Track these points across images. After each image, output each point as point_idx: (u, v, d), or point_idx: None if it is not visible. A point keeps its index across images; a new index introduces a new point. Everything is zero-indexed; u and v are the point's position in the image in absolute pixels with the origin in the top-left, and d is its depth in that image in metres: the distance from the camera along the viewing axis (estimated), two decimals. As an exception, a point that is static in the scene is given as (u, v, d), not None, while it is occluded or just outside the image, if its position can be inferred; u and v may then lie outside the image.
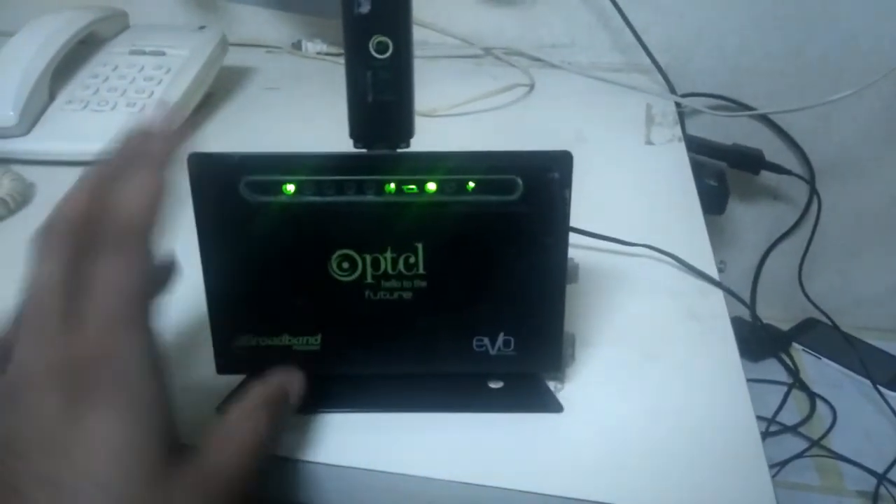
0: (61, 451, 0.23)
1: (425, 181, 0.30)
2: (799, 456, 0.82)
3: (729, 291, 0.42)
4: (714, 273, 0.42)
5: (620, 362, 0.36)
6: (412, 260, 0.31)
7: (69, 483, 0.22)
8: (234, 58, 0.72)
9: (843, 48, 0.80)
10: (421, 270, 0.31)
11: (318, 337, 0.32)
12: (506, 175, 0.30)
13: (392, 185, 0.30)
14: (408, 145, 0.31)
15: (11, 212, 0.49)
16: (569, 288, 0.41)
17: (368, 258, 0.31)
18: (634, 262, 0.43)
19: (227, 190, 0.30)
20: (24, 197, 0.50)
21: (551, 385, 0.34)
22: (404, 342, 0.32)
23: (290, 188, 0.30)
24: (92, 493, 0.22)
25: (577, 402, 0.33)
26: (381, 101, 0.30)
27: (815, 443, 0.83)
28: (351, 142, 0.31)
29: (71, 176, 0.54)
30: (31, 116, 0.56)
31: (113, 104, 0.57)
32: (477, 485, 0.30)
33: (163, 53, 0.63)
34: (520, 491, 0.29)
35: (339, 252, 0.31)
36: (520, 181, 0.30)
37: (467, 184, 0.30)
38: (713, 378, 0.35)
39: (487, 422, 0.32)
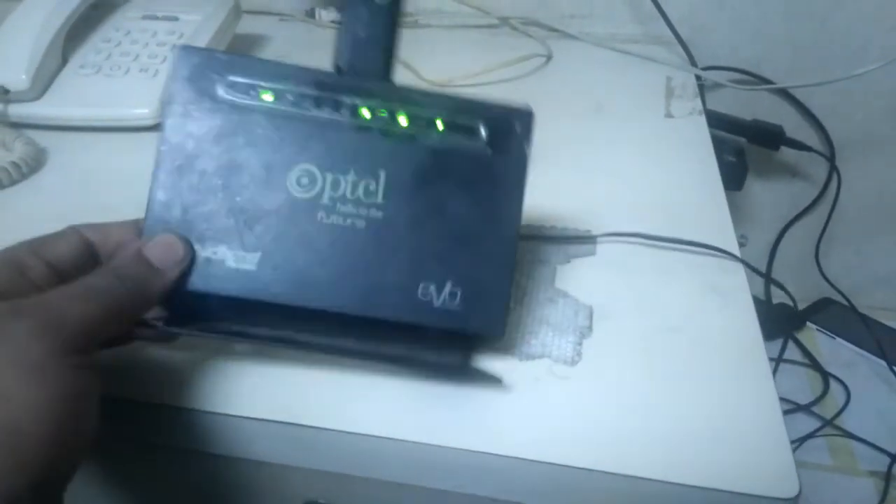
0: None
1: (397, 112, 0.31)
2: (811, 435, 0.82)
3: (750, 266, 0.41)
4: (735, 247, 0.42)
5: (638, 335, 0.35)
6: (372, 187, 0.31)
7: None
8: (246, 25, 0.71)
9: (868, 21, 0.78)
10: (379, 199, 0.31)
11: (257, 255, 0.30)
12: (471, 119, 0.31)
13: (366, 112, 0.31)
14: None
15: (24, 176, 0.48)
16: (587, 260, 0.41)
17: (329, 177, 0.31)
18: (654, 234, 0.43)
19: (207, 84, 0.30)
20: (36, 162, 0.50)
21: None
22: (348, 276, 0.31)
23: (268, 97, 0.30)
24: None
25: (594, 373, 0.33)
26: (373, 38, 0.31)
27: (827, 422, 0.83)
28: None
29: (83, 141, 0.54)
30: (44, 81, 0.55)
31: (126, 69, 0.56)
32: (480, 451, 0.29)
33: (176, 19, 0.62)
34: (527, 460, 0.29)
35: (301, 166, 0.31)
36: (483, 128, 0.31)
37: (436, 122, 0.31)
38: (734, 353, 0.34)
39: (493, 389, 0.32)
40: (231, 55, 0.31)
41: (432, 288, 0.31)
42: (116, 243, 0.31)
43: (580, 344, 0.34)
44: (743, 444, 0.30)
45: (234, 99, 0.30)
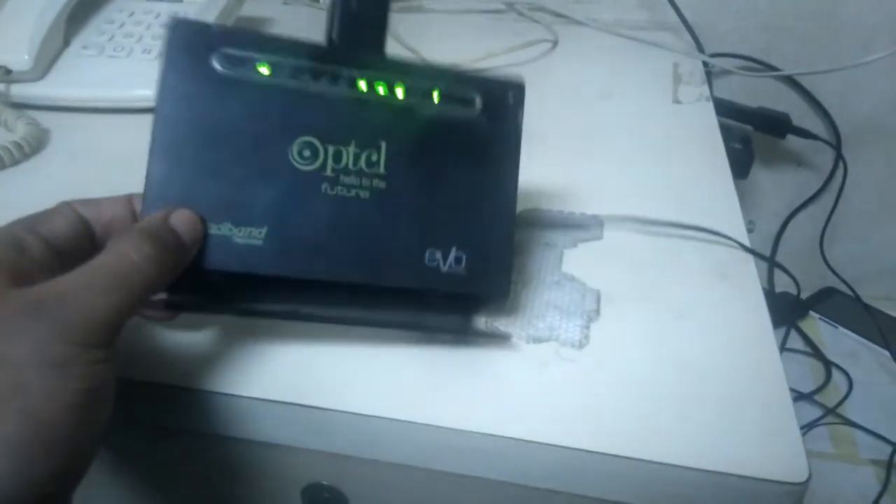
0: None
1: (395, 83, 0.31)
2: (814, 424, 0.82)
3: (757, 254, 0.41)
4: (744, 234, 0.41)
5: (646, 320, 0.35)
6: (374, 157, 0.31)
7: None
8: (250, 8, 0.71)
9: (876, 9, 0.77)
10: (381, 170, 0.31)
11: (264, 230, 0.30)
12: (466, 90, 0.32)
13: (363, 83, 0.31)
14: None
15: (27, 156, 0.48)
16: (594, 244, 0.40)
17: (331, 149, 0.30)
18: (662, 220, 0.42)
19: (201, 58, 0.29)
20: (38, 142, 0.49)
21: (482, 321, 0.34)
22: (354, 246, 0.30)
23: (265, 70, 0.30)
24: None
25: (601, 357, 0.33)
26: (365, 9, 0.31)
27: (830, 411, 0.83)
28: None
29: (86, 122, 0.53)
30: (46, 61, 0.55)
31: (128, 50, 0.56)
32: (486, 434, 0.29)
33: (179, 1, 0.61)
34: (533, 442, 0.29)
35: (302, 138, 0.30)
36: (478, 99, 0.32)
37: (433, 92, 0.31)
38: (743, 338, 0.34)
39: (500, 371, 0.32)
40: (225, 27, 0.30)
41: (438, 254, 0.31)
42: (109, 219, 0.30)
43: (588, 327, 0.34)
44: (752, 428, 0.29)
45: (229, 72, 0.29)
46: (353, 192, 0.30)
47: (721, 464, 0.28)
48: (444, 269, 0.31)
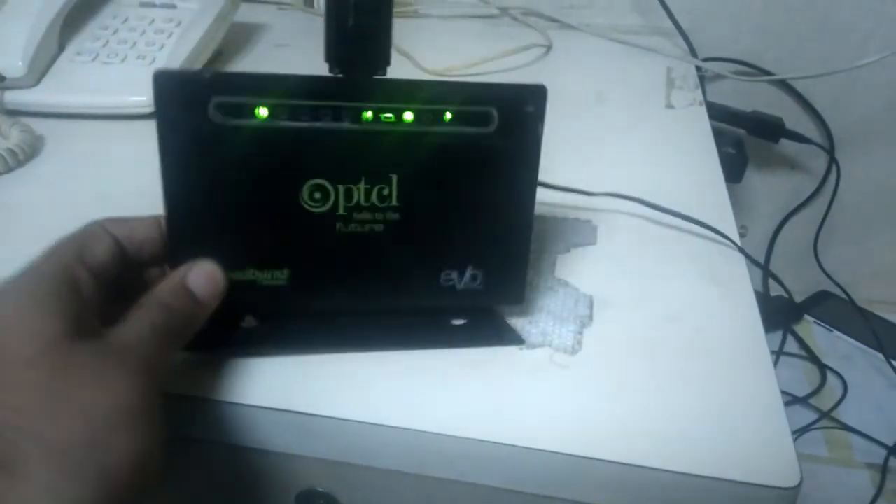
0: None
1: (403, 110, 0.29)
2: (808, 428, 0.82)
3: (751, 259, 0.41)
4: (736, 237, 0.42)
5: (639, 324, 0.35)
6: (386, 191, 0.30)
7: None
8: (245, 14, 0.71)
9: (869, 13, 0.78)
10: (394, 202, 0.30)
11: (286, 271, 0.31)
12: (482, 106, 0.30)
13: (369, 113, 0.29)
14: (384, 73, 0.30)
15: (20, 163, 0.48)
16: (587, 250, 0.40)
17: (342, 189, 0.30)
18: (654, 225, 0.43)
19: (196, 111, 0.28)
20: (32, 149, 0.49)
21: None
22: (373, 277, 0.32)
23: (263, 112, 0.28)
24: None
25: (594, 362, 0.33)
26: (362, 25, 0.29)
27: (824, 414, 0.83)
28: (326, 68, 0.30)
29: (80, 128, 0.53)
30: (40, 68, 0.55)
31: (123, 56, 0.56)
32: (480, 440, 0.29)
33: (173, 6, 0.61)
34: (526, 448, 0.29)
35: (311, 182, 0.30)
36: (495, 113, 0.30)
37: (444, 114, 0.30)
38: (735, 342, 0.34)
39: (493, 377, 0.32)
40: (215, 73, 0.28)
41: (454, 274, 0.32)
42: (141, 241, 0.30)
43: (580, 333, 0.34)
44: (744, 433, 0.29)
45: (227, 121, 0.28)
46: (366, 228, 0.31)
47: (712, 468, 0.28)
48: (460, 286, 0.32)
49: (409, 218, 0.31)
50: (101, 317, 0.27)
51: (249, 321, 0.33)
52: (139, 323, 0.27)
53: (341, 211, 0.30)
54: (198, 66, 0.60)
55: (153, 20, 0.59)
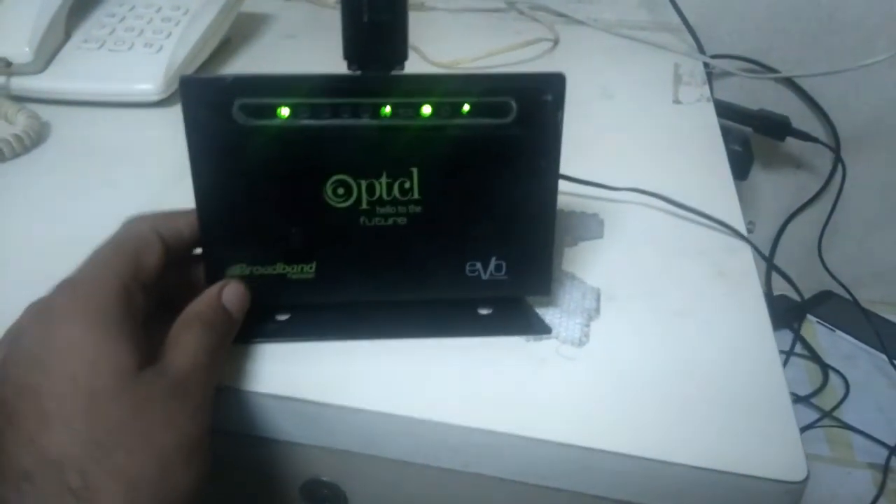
0: (35, 362, 0.25)
1: (421, 104, 0.29)
2: (810, 426, 0.82)
3: (759, 252, 0.41)
4: (744, 233, 0.41)
5: (646, 318, 0.35)
6: (407, 185, 0.31)
7: (44, 385, 0.24)
8: (252, 4, 0.71)
9: (877, 12, 0.77)
10: (416, 195, 0.31)
11: (313, 265, 0.32)
12: (500, 97, 0.30)
13: (388, 109, 0.30)
14: (402, 68, 0.30)
15: (27, 149, 0.48)
16: (595, 243, 0.40)
17: (364, 183, 0.30)
18: (661, 219, 0.42)
19: (220, 114, 0.29)
20: (38, 135, 0.49)
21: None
22: (398, 268, 0.32)
23: (285, 112, 0.29)
24: (64, 389, 0.24)
25: (601, 355, 0.33)
26: (377, 20, 0.29)
27: (826, 413, 0.83)
28: (344, 64, 0.30)
29: (86, 115, 0.53)
30: (47, 54, 0.55)
31: (129, 44, 0.56)
32: (487, 430, 0.29)
33: (180, -6, 0.61)
34: (532, 439, 0.29)
35: (334, 177, 0.30)
36: (514, 104, 0.30)
37: (462, 107, 0.30)
38: (742, 336, 0.34)
39: (500, 368, 0.32)
40: (238, 77, 0.29)
41: (479, 265, 0.32)
42: (188, 240, 0.31)
43: (588, 325, 0.34)
44: (750, 426, 0.29)
45: (250, 122, 0.29)
46: (390, 221, 0.31)
47: (719, 462, 0.28)
48: (486, 276, 0.32)
49: (431, 210, 0.31)
50: (145, 324, 0.28)
51: (283, 314, 0.33)
52: (191, 346, 0.28)
53: (364, 205, 0.31)
54: (204, 54, 0.60)
55: (160, 8, 0.59)
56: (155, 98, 0.53)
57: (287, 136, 0.30)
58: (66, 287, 0.27)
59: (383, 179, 0.30)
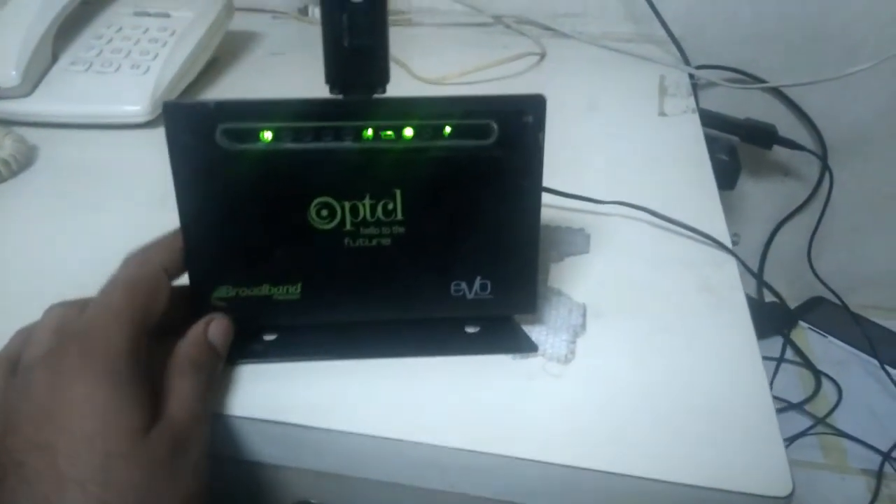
0: (48, 418, 0.25)
1: (402, 126, 0.30)
2: (803, 434, 0.82)
3: (745, 266, 0.41)
4: (728, 245, 0.42)
5: (633, 333, 0.35)
6: (390, 206, 0.31)
7: (59, 444, 0.24)
8: (239, 23, 0.71)
9: (861, 20, 0.78)
10: (399, 216, 0.31)
11: (298, 286, 0.32)
12: (481, 119, 0.30)
13: (370, 132, 0.30)
14: (384, 91, 0.31)
15: (14, 173, 0.48)
16: (581, 258, 0.40)
17: (347, 205, 0.31)
18: (647, 233, 0.43)
19: (204, 139, 0.29)
20: (26, 159, 0.49)
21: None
22: (383, 289, 0.32)
23: (268, 135, 0.30)
24: (79, 449, 0.24)
25: (587, 372, 0.33)
26: (358, 45, 0.29)
27: (819, 420, 0.83)
28: (326, 89, 0.30)
29: (74, 138, 0.53)
30: (34, 77, 0.55)
31: (117, 66, 0.56)
32: (473, 450, 0.29)
33: (167, 15, 0.61)
34: (518, 458, 0.29)
35: (317, 200, 0.30)
36: (495, 125, 0.30)
37: (444, 129, 0.30)
38: (728, 351, 0.34)
39: (485, 386, 0.32)
40: (221, 103, 0.29)
41: (464, 284, 0.33)
42: (182, 267, 0.31)
43: (574, 342, 0.34)
44: (735, 442, 0.29)
45: (234, 146, 0.29)
46: (374, 242, 0.31)
47: (704, 478, 0.28)
48: (471, 296, 0.33)
49: (414, 231, 0.31)
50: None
51: (270, 335, 0.34)
52: (187, 395, 0.28)
53: (348, 227, 0.31)
54: (192, 75, 0.60)
55: (147, 29, 0.60)
56: (142, 120, 0.53)
57: (270, 160, 0.30)
58: (77, 340, 0.27)
59: (367, 201, 0.31)
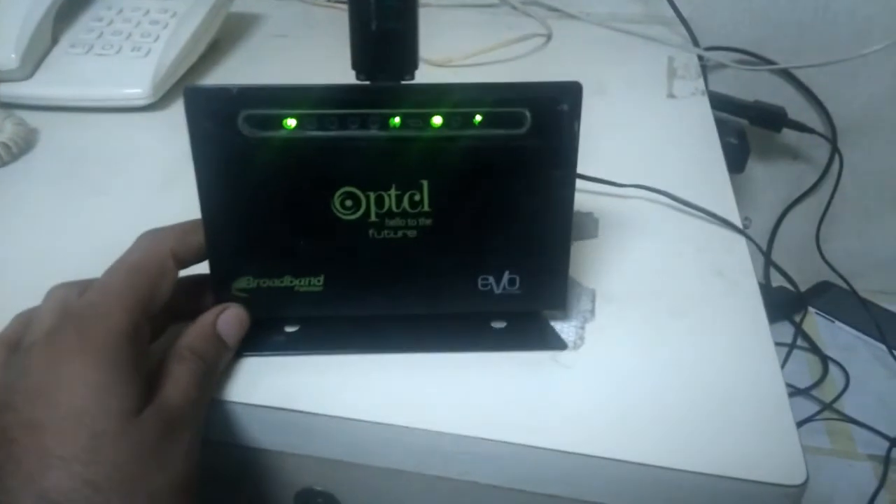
0: (40, 395, 0.25)
1: (431, 115, 0.29)
2: (811, 419, 0.82)
3: (757, 245, 0.40)
4: (741, 229, 0.41)
5: (643, 319, 0.35)
6: (417, 197, 0.30)
7: (47, 421, 0.24)
8: (241, 4, 0.70)
9: (873, 2, 0.77)
10: (426, 208, 0.30)
11: (321, 278, 0.31)
12: (514, 108, 0.29)
13: (397, 119, 0.29)
14: (412, 77, 0.29)
15: (14, 157, 0.47)
16: (590, 243, 0.40)
17: (372, 196, 0.30)
18: (658, 216, 0.42)
19: (226, 125, 0.28)
20: (26, 142, 0.49)
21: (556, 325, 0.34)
22: (408, 282, 0.31)
23: (291, 123, 0.28)
24: (67, 427, 0.24)
25: (597, 358, 0.32)
26: (386, 29, 0.28)
27: (827, 406, 0.83)
28: (353, 74, 0.29)
29: (74, 121, 0.53)
30: (34, 60, 0.54)
31: (118, 48, 0.55)
32: (481, 438, 0.29)
33: (168, -3, 0.60)
34: (527, 446, 0.29)
35: (342, 189, 0.29)
36: (528, 113, 0.29)
37: (474, 117, 0.29)
38: (740, 337, 0.34)
39: (497, 373, 0.31)
40: (243, 88, 0.28)
41: (491, 279, 0.32)
42: (198, 248, 0.31)
43: (583, 328, 0.34)
44: (749, 430, 0.29)
45: (256, 133, 0.28)
46: (399, 234, 0.30)
47: (717, 466, 0.28)
48: (498, 290, 0.32)
49: (441, 223, 0.30)
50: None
51: (292, 326, 0.33)
52: (184, 381, 0.28)
53: (373, 218, 0.30)
54: (193, 57, 0.59)
55: (148, 11, 0.59)
56: (143, 102, 0.53)
57: (293, 148, 0.29)
58: (76, 320, 0.26)
59: (392, 192, 0.30)
